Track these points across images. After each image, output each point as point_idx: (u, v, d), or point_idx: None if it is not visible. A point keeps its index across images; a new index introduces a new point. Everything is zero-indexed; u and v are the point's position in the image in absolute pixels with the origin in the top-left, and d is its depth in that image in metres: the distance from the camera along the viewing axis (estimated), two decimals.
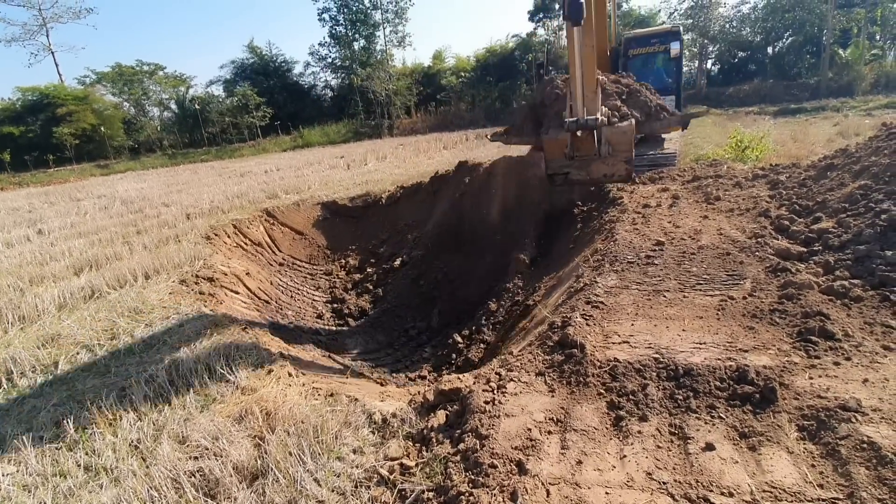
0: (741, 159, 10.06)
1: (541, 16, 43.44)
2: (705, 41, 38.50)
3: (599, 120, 5.51)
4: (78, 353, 5.20)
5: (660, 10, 42.09)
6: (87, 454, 3.51)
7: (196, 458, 3.24)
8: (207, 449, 3.28)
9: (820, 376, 2.70)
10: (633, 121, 6.06)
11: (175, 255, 8.23)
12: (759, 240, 4.71)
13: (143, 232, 10.77)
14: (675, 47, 9.55)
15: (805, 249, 4.40)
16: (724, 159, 9.53)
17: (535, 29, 44.04)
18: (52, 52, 43.19)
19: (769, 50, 37.78)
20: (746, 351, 3.00)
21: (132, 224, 11.77)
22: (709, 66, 41.09)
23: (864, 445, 2.18)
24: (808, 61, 34.52)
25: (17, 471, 3.43)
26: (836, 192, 5.21)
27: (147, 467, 3.22)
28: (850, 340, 2.96)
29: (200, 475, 3.07)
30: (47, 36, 42.79)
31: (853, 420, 2.31)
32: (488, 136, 8.29)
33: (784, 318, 3.32)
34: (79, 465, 3.40)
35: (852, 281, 3.66)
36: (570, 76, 5.57)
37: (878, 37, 32.75)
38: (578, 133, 5.60)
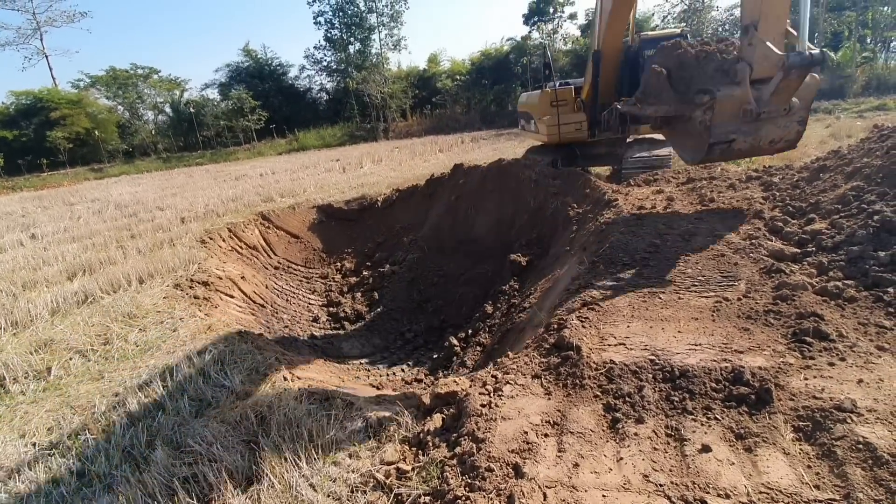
0: (735, 161, 10.11)
1: (535, 19, 43.55)
2: None
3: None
4: (71, 359, 5.16)
5: (653, 14, 42.39)
6: (80, 461, 3.47)
7: (190, 463, 3.21)
8: (202, 454, 3.25)
9: (815, 377, 2.71)
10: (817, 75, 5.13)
11: (169, 259, 8.18)
12: (753, 241, 4.73)
13: (137, 236, 10.70)
14: None
15: (799, 251, 4.43)
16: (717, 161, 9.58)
17: (529, 32, 44.18)
18: (46, 56, 43.01)
19: None
20: (742, 352, 3.01)
21: (126, 228, 11.71)
22: None
23: (860, 446, 2.18)
24: None
25: (10, 477, 3.39)
26: (828, 194, 5.24)
27: (140, 473, 3.18)
28: (844, 341, 2.97)
29: (195, 481, 3.04)
30: (41, 40, 42.63)
31: (848, 421, 2.32)
32: (619, 107, 6.79)
33: (779, 319, 3.33)
34: (72, 472, 3.37)
35: (846, 282, 3.67)
36: (766, 15, 4.76)
37: (868, 39, 33.08)
38: (792, 75, 4.60)
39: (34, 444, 3.73)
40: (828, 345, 2.95)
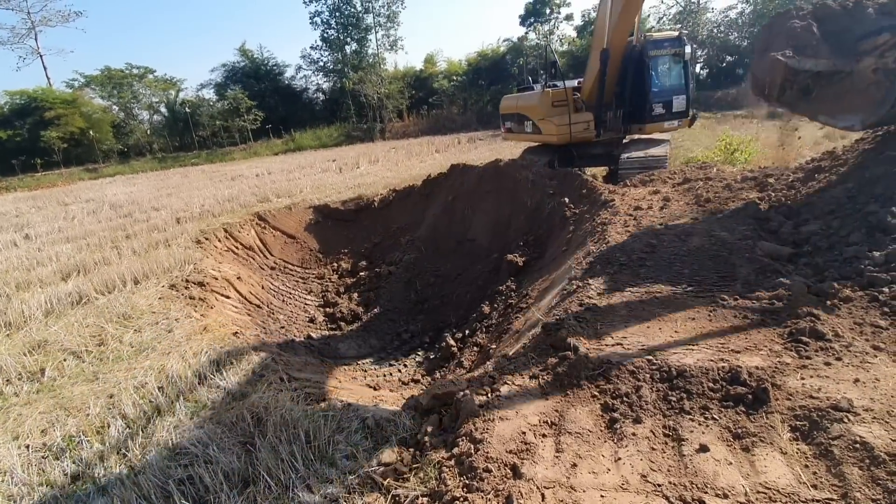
0: (730, 162, 10.17)
1: (532, 20, 43.69)
2: (694, 46, 38.97)
3: None
4: (65, 360, 5.11)
5: (649, 16, 42.57)
6: (74, 463, 3.44)
7: (186, 465, 3.19)
8: (197, 456, 3.23)
9: (811, 377, 2.71)
10: None
11: (165, 259, 8.14)
12: (749, 241, 4.74)
13: (132, 236, 10.64)
14: (688, 50, 9.78)
15: (794, 251, 4.44)
16: (713, 162, 9.63)
17: (526, 33, 44.30)
18: (41, 56, 42.77)
19: None
20: (738, 352, 3.01)
21: (121, 228, 11.64)
22: (697, 70, 41.57)
23: (857, 445, 2.19)
24: None
25: (2, 480, 3.35)
26: (823, 194, 5.27)
27: (135, 475, 3.16)
28: (840, 341, 2.98)
29: (190, 483, 3.02)
30: (36, 39, 42.39)
31: (845, 420, 2.32)
32: (779, 57, 5.82)
33: (775, 318, 3.34)
34: (66, 474, 3.34)
35: (841, 282, 3.69)
36: None
37: None
38: None
39: (27, 446, 3.69)
40: (824, 344, 2.96)
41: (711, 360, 2.92)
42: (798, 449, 2.29)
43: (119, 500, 2.95)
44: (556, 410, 2.83)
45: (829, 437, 2.27)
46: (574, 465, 2.40)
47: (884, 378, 2.61)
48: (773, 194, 6.01)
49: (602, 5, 9.55)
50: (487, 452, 2.54)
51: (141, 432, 3.70)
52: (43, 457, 3.56)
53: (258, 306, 8.31)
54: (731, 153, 10.77)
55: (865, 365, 2.75)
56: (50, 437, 3.76)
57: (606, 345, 3.33)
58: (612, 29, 8.99)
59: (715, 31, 39.38)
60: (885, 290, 3.43)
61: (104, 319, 6.01)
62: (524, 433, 2.66)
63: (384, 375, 6.85)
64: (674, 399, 2.73)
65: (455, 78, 45.55)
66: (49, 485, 3.27)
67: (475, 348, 6.26)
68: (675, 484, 2.20)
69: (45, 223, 13.61)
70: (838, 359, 2.83)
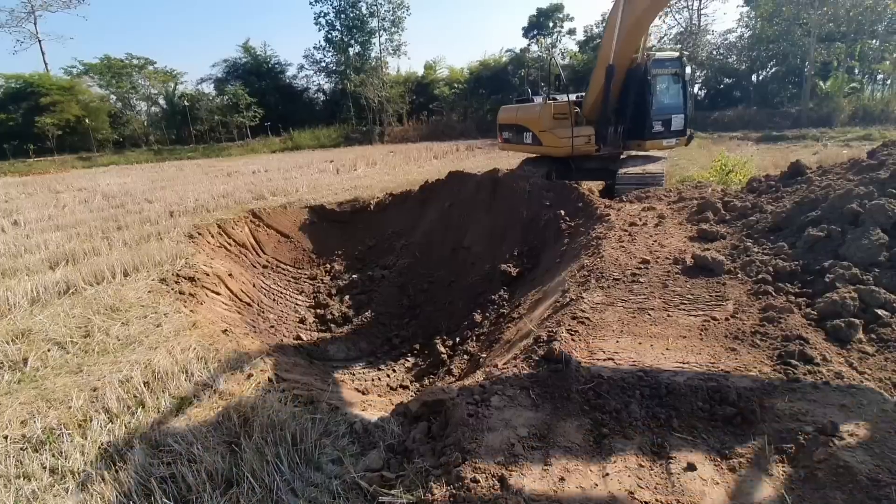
0: (725, 182, 10.29)
1: (535, 32, 44.10)
2: (693, 66, 39.55)
3: None
4: (49, 350, 5.03)
5: (650, 34, 43.16)
6: (53, 456, 3.38)
7: (169, 463, 3.14)
8: (181, 454, 3.18)
9: (799, 399, 2.74)
10: None
11: (156, 252, 8.06)
12: (741, 262, 4.79)
13: (123, 228, 10.53)
14: (688, 71, 9.97)
15: (786, 273, 4.49)
16: (708, 182, 9.75)
17: (528, 45, 44.69)
18: (39, 41, 42.34)
19: (753, 78, 39.03)
20: (728, 372, 3.03)
21: (113, 219, 11.51)
22: (695, 90, 42.17)
23: (841, 469, 2.21)
24: (790, 91, 35.80)
25: None
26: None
27: (117, 472, 3.11)
28: (828, 365, 3.02)
29: (172, 481, 2.98)
30: (35, 24, 41.98)
31: (831, 444, 2.35)
32: None
33: (765, 340, 3.37)
34: (44, 468, 3.27)
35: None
36: None
37: (856, 70, 34.06)
38: None
39: (6, 437, 3.61)
40: (812, 368, 2.99)
41: (701, 379, 2.94)
42: (784, 471, 2.31)
43: (99, 496, 2.90)
44: (546, 423, 2.83)
45: (815, 461, 2.29)
46: (562, 479, 2.39)
47: (868, 403, 2.65)
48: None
49: (610, 22, 9.64)
50: (475, 462, 2.53)
51: (124, 427, 3.64)
52: (21, 448, 3.48)
53: (248, 304, 8.25)
54: (727, 174, 10.92)
55: (852, 390, 2.78)
56: (29, 429, 3.69)
57: (598, 359, 3.34)
58: (619, 45, 9.09)
59: (714, 52, 40.01)
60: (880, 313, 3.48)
61: (91, 311, 5.93)
62: (513, 444, 2.65)
63: (373, 380, 6.81)
64: (663, 416, 2.74)
65: (456, 85, 45.79)
66: (27, 477, 3.20)
67: (465, 356, 6.25)
68: (661, 501, 2.21)
69: (34, 210, 13.43)
70: (826, 383, 2.86)
